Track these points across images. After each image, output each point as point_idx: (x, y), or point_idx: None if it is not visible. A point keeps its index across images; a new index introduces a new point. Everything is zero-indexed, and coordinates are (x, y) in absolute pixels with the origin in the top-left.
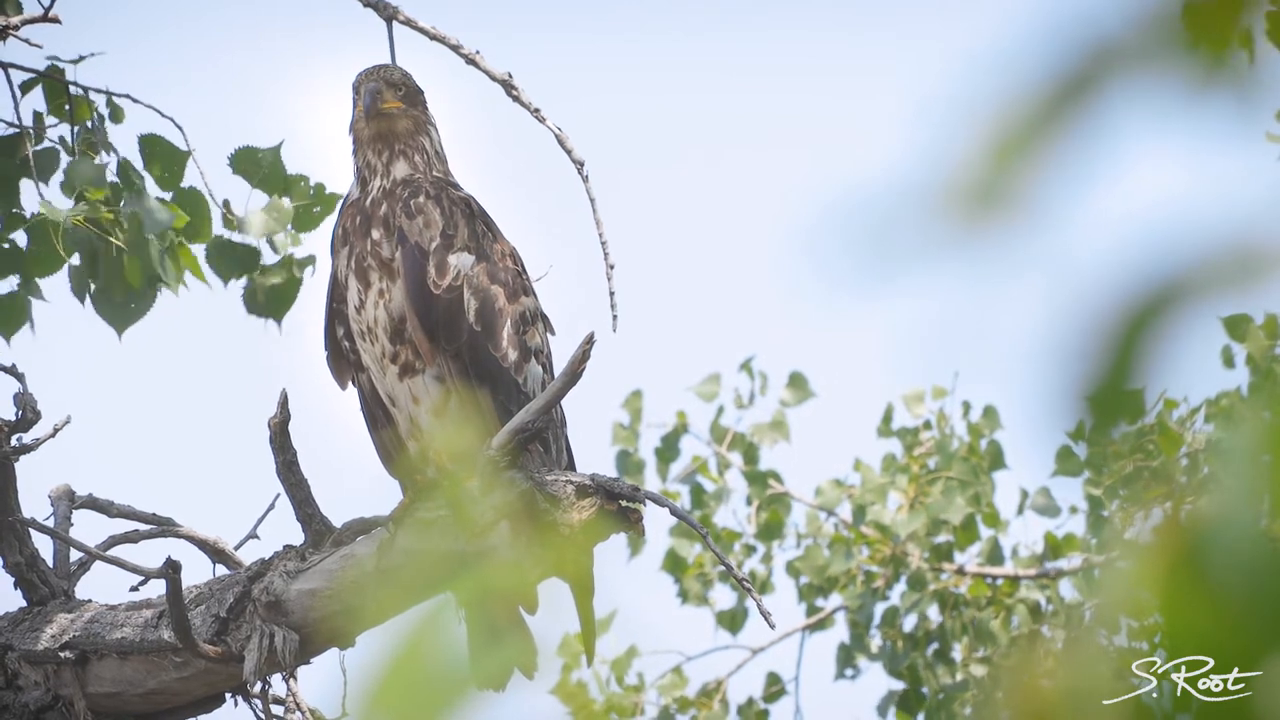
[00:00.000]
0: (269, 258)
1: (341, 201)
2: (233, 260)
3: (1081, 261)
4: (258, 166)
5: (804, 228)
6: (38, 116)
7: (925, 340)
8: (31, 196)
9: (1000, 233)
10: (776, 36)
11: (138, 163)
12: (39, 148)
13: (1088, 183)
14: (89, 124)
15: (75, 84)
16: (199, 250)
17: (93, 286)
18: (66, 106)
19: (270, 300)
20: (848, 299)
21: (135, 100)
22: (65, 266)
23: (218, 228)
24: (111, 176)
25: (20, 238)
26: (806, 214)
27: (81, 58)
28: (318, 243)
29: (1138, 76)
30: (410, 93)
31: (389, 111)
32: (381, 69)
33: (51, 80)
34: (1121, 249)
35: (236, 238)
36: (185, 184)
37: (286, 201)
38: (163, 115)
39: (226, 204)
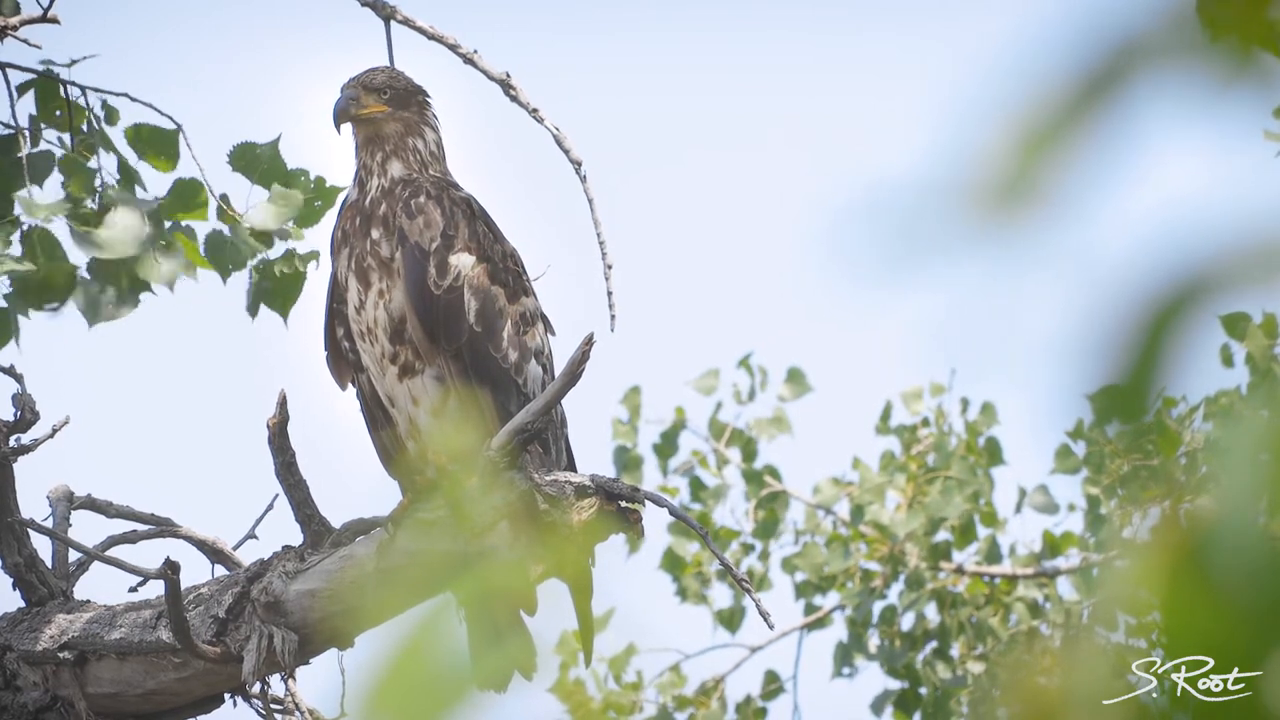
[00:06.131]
0: (272, 253)
1: (340, 203)
2: (230, 254)
3: (1105, 257)
4: (256, 162)
5: (827, 223)
6: (34, 120)
7: (946, 335)
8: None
9: (1024, 228)
10: (776, 36)
11: (135, 161)
12: (34, 150)
13: (1112, 179)
14: (85, 127)
15: (73, 83)
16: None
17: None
18: (59, 113)
19: (275, 295)
20: (871, 293)
21: (133, 99)
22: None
23: (214, 220)
24: (112, 176)
25: (14, 249)
26: (828, 210)
27: (74, 61)
28: (319, 238)
29: (1163, 72)
30: (399, 94)
31: (368, 117)
32: (364, 74)
33: (47, 82)
34: (1146, 245)
35: (231, 232)
36: (184, 174)
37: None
38: (160, 113)
39: (224, 198)
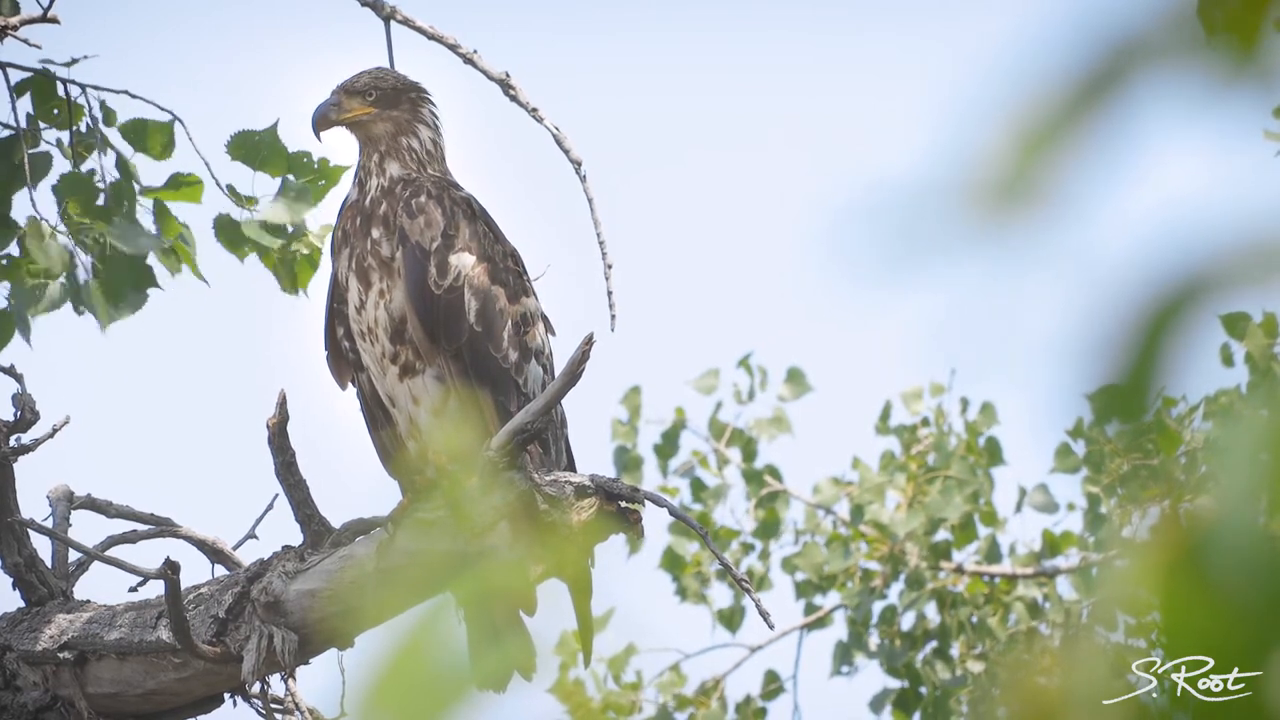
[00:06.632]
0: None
1: (341, 204)
2: (244, 238)
3: (1105, 257)
4: (256, 149)
5: (827, 223)
6: (31, 120)
7: (946, 335)
8: (24, 203)
9: (1024, 228)
10: (776, 36)
11: (130, 155)
12: (34, 151)
13: (1112, 179)
14: (83, 126)
15: (73, 82)
16: (207, 232)
17: (81, 288)
18: (55, 111)
19: (299, 270)
20: (871, 293)
21: (133, 95)
22: (59, 280)
23: (224, 205)
24: (114, 174)
25: (13, 248)
26: (828, 210)
27: (74, 60)
28: (327, 216)
29: (1163, 72)
30: (385, 95)
31: (353, 120)
32: (350, 79)
33: (45, 81)
34: (1146, 245)
35: (240, 215)
36: (185, 168)
37: (292, 179)
38: (161, 109)
39: (231, 188)
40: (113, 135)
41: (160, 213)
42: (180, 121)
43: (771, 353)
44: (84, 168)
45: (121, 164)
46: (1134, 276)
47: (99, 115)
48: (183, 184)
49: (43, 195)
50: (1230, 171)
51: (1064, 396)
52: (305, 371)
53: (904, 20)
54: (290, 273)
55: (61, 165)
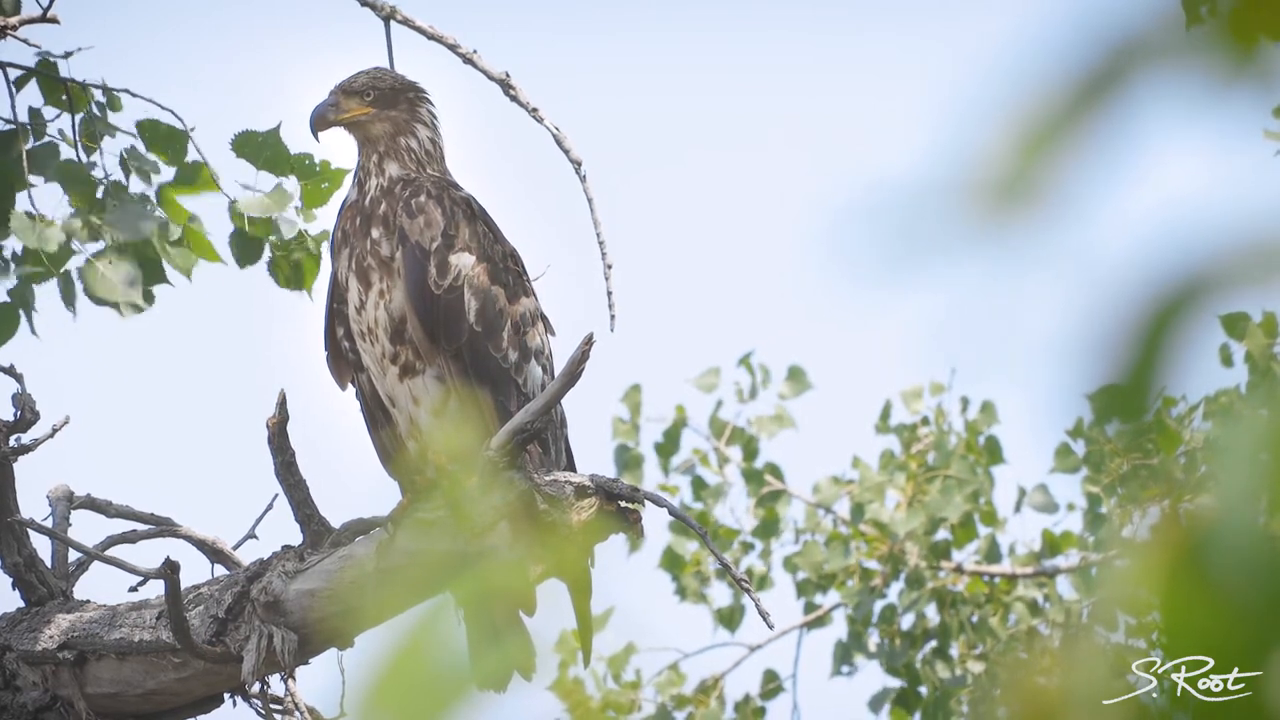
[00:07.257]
0: (284, 234)
1: (341, 204)
2: (247, 248)
3: (1105, 257)
4: (259, 149)
5: (827, 223)
6: (34, 112)
7: (946, 334)
8: (25, 197)
9: (1024, 228)
10: (776, 36)
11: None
12: (35, 144)
13: (1112, 179)
14: (88, 114)
15: (71, 80)
16: (216, 238)
17: (80, 290)
18: (64, 98)
19: (296, 273)
20: (871, 293)
21: (133, 94)
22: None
23: (226, 220)
24: (115, 172)
25: (14, 243)
26: (828, 210)
27: (69, 53)
28: (330, 218)
29: (1163, 72)
30: (384, 95)
31: (351, 121)
32: (347, 79)
33: (47, 76)
34: (1146, 245)
35: (247, 219)
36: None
37: (292, 180)
38: (161, 107)
39: (235, 203)
40: (119, 121)
41: (167, 201)
42: (180, 119)
43: (772, 352)
44: (90, 159)
45: (124, 163)
46: (1134, 276)
47: (104, 101)
48: (193, 178)
49: (43, 192)
50: (1230, 171)
51: (1064, 396)
52: (305, 371)
53: (904, 20)
54: (290, 274)
55: (64, 157)
